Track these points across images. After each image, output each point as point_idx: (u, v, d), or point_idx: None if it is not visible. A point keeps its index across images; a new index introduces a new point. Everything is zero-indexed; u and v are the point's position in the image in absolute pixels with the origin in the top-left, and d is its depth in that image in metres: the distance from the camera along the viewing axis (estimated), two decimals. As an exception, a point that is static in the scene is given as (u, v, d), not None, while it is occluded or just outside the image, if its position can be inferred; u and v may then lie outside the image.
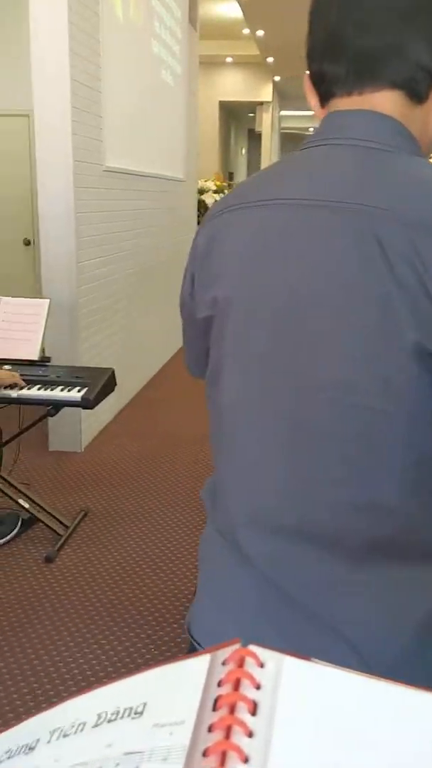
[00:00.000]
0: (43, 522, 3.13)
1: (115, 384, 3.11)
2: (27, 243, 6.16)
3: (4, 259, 6.13)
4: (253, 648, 0.33)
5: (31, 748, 0.33)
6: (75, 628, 2.48)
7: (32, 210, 6.02)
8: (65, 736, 0.32)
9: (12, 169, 6.00)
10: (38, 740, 0.33)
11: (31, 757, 0.32)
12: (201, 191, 7.78)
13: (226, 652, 0.33)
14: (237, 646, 0.33)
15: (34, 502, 3.17)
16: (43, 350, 3.14)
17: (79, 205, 3.83)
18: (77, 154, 3.76)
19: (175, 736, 0.29)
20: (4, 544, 3.03)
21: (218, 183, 8.41)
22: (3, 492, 3.08)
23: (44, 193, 3.78)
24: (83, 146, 3.85)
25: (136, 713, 0.32)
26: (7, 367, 2.98)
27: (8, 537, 3.06)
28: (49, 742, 0.32)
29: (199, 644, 0.88)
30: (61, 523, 3.16)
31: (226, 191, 8.42)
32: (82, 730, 0.32)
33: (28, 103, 5.41)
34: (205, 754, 0.28)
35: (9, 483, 3.13)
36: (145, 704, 0.32)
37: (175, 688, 0.32)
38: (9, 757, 0.33)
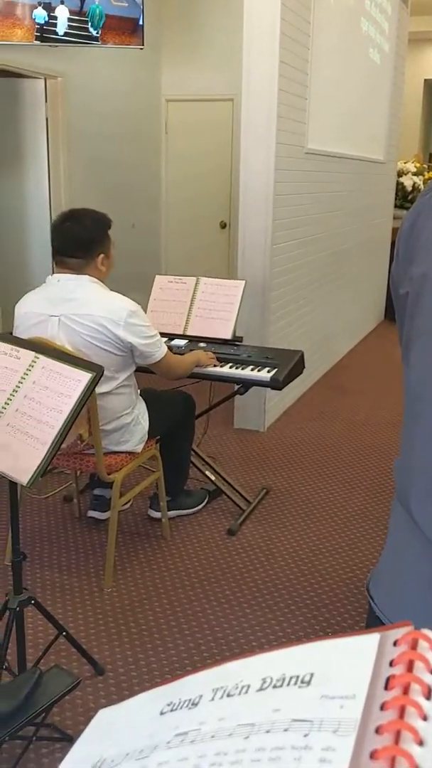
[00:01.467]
0: (227, 495, 3.24)
1: (304, 366, 3.12)
2: (223, 226, 6.33)
3: (201, 241, 6.36)
4: (426, 631, 0.32)
5: (194, 704, 0.34)
6: (252, 597, 2.56)
7: (230, 194, 6.18)
8: (229, 696, 0.33)
9: (214, 155, 6.18)
10: (201, 697, 0.34)
11: (194, 712, 0.34)
12: (400, 173, 7.51)
13: (397, 633, 0.32)
14: (409, 628, 0.32)
15: (219, 475, 3.29)
16: (234, 330, 3.23)
17: (278, 188, 3.87)
18: (280, 136, 3.79)
19: (346, 709, 0.29)
20: (192, 514, 3.18)
21: (418, 165, 8.05)
22: (192, 463, 3.22)
23: (245, 175, 3.86)
24: (286, 128, 3.87)
25: (303, 682, 0.32)
26: (202, 345, 3.10)
27: (197, 508, 3.21)
28: (212, 700, 0.33)
29: (375, 603, 0.91)
30: (244, 498, 3.25)
31: (426, 173, 8.04)
32: (246, 692, 0.33)
33: (232, 88, 5.55)
34: (378, 731, 0.28)
35: (198, 455, 3.27)
36: (312, 674, 0.32)
37: (344, 663, 0.32)
38: (171, 710, 0.35)
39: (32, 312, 2.52)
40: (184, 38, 5.98)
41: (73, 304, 2.45)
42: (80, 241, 2.48)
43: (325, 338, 5.30)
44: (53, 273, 2.55)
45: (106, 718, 0.42)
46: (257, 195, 3.84)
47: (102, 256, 2.53)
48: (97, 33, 4.08)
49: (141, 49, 4.27)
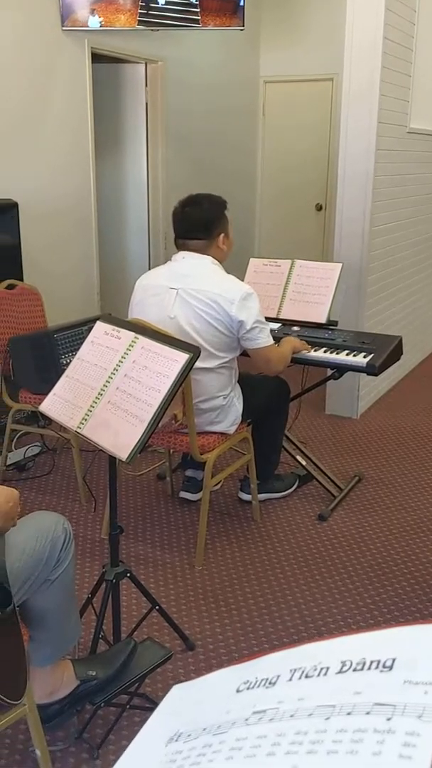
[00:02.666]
0: (318, 481, 3.22)
1: (401, 353, 3.04)
2: (319, 208, 6.24)
3: (297, 223, 6.29)
4: None
5: (272, 683, 0.34)
6: (342, 583, 2.54)
7: (327, 176, 6.07)
8: (307, 677, 0.33)
9: (312, 136, 6.09)
10: (278, 677, 0.34)
11: (271, 691, 0.33)
12: None
13: None
14: None
15: (310, 460, 3.27)
16: (329, 314, 3.19)
17: (377, 168, 3.77)
18: (382, 115, 3.69)
19: (431, 696, 0.29)
20: (282, 498, 3.18)
21: None
22: (283, 447, 3.22)
23: (345, 156, 3.78)
24: (388, 107, 3.76)
25: (384, 667, 0.31)
26: (295, 328, 3.08)
27: (287, 492, 3.20)
28: (290, 680, 0.34)
29: None
30: (335, 484, 3.22)
31: None
32: (325, 674, 0.33)
33: (333, 67, 5.44)
34: None
35: (289, 439, 3.26)
36: (394, 660, 0.31)
37: (427, 649, 0.31)
38: (248, 688, 0.35)
39: (153, 284, 2.65)
40: (283, 17, 5.90)
41: (192, 279, 2.55)
42: (200, 222, 2.60)
43: (424, 324, 5.15)
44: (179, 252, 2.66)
45: (180, 694, 0.43)
46: (357, 176, 3.76)
47: (222, 235, 2.65)
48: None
49: (241, 30, 4.25)
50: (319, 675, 0.34)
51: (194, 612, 2.39)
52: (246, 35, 5.16)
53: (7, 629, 1.35)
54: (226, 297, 2.49)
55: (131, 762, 0.41)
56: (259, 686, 0.36)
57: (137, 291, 2.72)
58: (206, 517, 2.67)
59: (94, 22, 4.00)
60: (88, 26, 3.99)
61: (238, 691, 0.38)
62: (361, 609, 2.42)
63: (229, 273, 2.61)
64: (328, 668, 0.34)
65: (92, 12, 3.96)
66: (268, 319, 3.15)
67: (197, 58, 5.30)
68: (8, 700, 1.18)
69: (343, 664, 0.34)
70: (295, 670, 0.35)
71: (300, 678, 0.34)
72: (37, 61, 3.95)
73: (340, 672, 0.33)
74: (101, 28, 4.07)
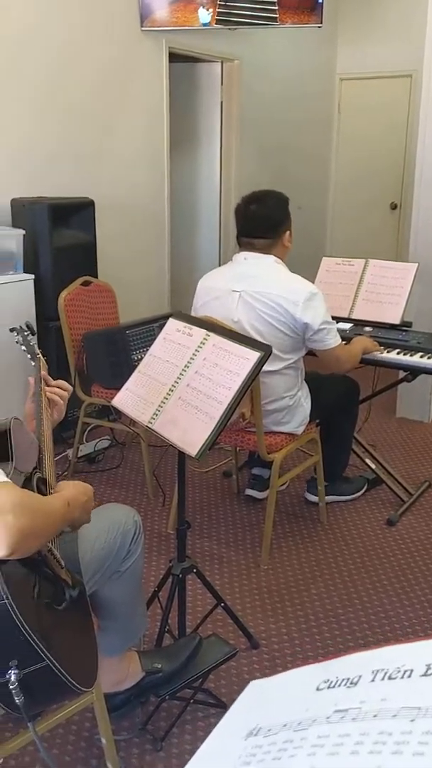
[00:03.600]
0: (387, 485, 3.16)
1: None
2: (393, 207, 6.13)
3: (371, 222, 6.20)
4: None
5: (353, 683, 0.33)
6: (410, 589, 2.48)
7: (402, 174, 5.96)
8: (390, 678, 0.32)
9: (387, 134, 5.99)
10: (360, 677, 0.33)
11: (353, 691, 0.33)
12: None
13: None
14: None
15: (379, 464, 3.21)
16: (403, 315, 3.12)
17: (457, 167, 3.67)
18: (463, 112, 3.59)
19: None
20: (350, 501, 3.14)
21: None
22: (352, 450, 3.17)
23: (423, 154, 3.70)
24: (470, 104, 3.65)
25: None
26: (368, 329, 3.03)
27: (355, 495, 3.16)
28: (372, 681, 0.33)
29: None
30: (404, 488, 3.16)
31: None
32: (409, 676, 0.32)
33: (411, 63, 5.33)
34: None
35: (358, 442, 3.21)
36: None
37: None
38: (329, 687, 0.34)
39: (215, 286, 2.62)
40: (361, 13, 5.82)
41: (254, 281, 2.50)
42: (267, 221, 2.54)
43: None
44: (240, 252, 2.62)
45: (258, 689, 0.43)
46: (434, 175, 3.67)
47: (288, 233, 2.59)
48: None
49: (319, 27, 4.21)
50: (403, 677, 0.34)
51: (259, 611, 2.39)
52: (322, 32, 5.10)
53: (81, 618, 1.38)
54: (290, 299, 2.43)
55: (210, 753, 0.41)
56: (340, 685, 0.36)
57: (200, 293, 2.68)
58: (272, 516, 2.66)
59: (205, 15, 3.98)
60: (198, 20, 3.99)
61: (318, 689, 0.38)
62: (430, 616, 2.36)
63: (299, 272, 2.56)
64: (412, 671, 0.34)
65: (203, 6, 3.96)
66: (340, 319, 3.11)
67: (273, 55, 5.29)
68: (81, 687, 1.20)
69: (428, 667, 0.33)
70: (377, 671, 0.35)
71: (383, 679, 0.34)
72: (116, 61, 4.02)
73: (425, 674, 0.33)
74: (179, 28, 4.11)
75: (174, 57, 4.46)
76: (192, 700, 1.91)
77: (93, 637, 1.41)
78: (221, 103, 5.00)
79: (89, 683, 1.26)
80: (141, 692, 1.81)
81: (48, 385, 1.65)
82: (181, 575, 1.98)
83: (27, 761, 1.77)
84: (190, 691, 1.90)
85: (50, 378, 1.68)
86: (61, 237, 3.54)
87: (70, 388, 1.69)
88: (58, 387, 1.66)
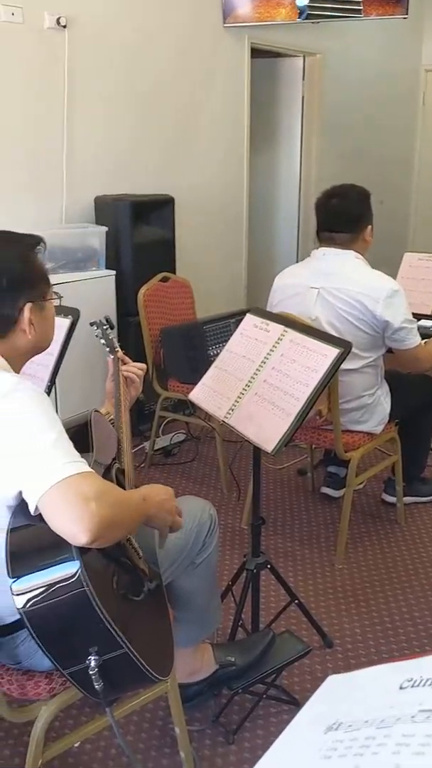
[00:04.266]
0: (468, 487, 3.07)
1: None
2: None
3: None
4: None
5: None
6: None
7: None
8: None
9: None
10: None
11: None
12: None
13: None
14: None
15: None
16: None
17: None
18: None
19: None
20: (429, 502, 3.07)
21: None
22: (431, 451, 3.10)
23: None
24: None
25: None
26: None
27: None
28: None
29: None
30: None
31: None
32: None
33: None
34: None
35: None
36: None
37: None
38: (412, 686, 0.34)
39: (293, 283, 2.59)
40: (449, 2, 5.65)
41: (334, 277, 2.46)
42: (349, 216, 2.50)
43: None
44: (319, 248, 2.58)
45: (336, 684, 0.43)
46: None
47: (369, 228, 2.54)
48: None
49: (405, 18, 4.11)
50: None
51: (333, 609, 2.37)
52: (408, 23, 4.98)
53: (157, 608, 1.40)
54: (371, 296, 2.38)
55: (289, 744, 0.41)
56: (424, 685, 0.36)
57: (275, 293, 2.66)
58: (348, 515, 2.62)
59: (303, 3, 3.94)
60: (281, 14, 3.96)
61: (401, 687, 0.37)
62: None
63: (380, 268, 2.51)
64: None
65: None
66: (422, 316, 3.04)
67: (356, 48, 5.20)
68: (157, 676, 1.23)
69: None
70: None
71: None
72: (199, 58, 4.05)
73: None
74: (261, 23, 4.10)
75: (255, 53, 4.45)
76: (265, 696, 1.91)
77: (169, 628, 1.43)
78: (303, 97, 4.96)
79: (165, 672, 1.28)
80: (214, 684, 1.82)
81: (124, 364, 1.77)
82: (255, 570, 1.98)
83: (102, 745, 1.81)
84: (262, 687, 1.90)
85: (127, 358, 1.81)
86: (142, 233, 3.60)
87: (145, 366, 1.83)
88: (134, 366, 1.80)
